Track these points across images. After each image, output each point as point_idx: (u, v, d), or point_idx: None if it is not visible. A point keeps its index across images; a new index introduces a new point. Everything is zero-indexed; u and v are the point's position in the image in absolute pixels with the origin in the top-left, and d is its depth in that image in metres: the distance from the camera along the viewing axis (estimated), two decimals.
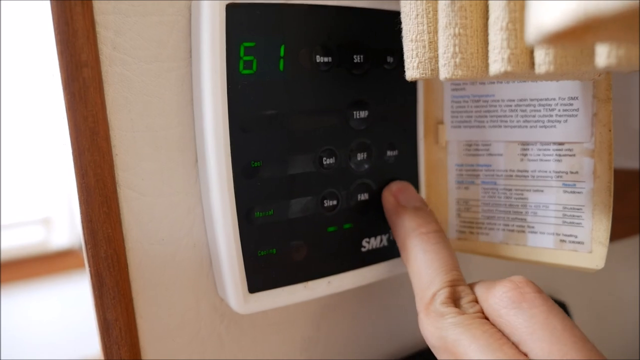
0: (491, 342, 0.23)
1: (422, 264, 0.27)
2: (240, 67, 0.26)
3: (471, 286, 0.27)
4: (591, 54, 0.18)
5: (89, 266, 0.26)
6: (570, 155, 0.30)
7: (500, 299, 0.24)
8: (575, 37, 0.13)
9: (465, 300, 0.26)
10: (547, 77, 0.21)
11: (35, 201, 1.34)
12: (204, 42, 0.26)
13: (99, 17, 0.25)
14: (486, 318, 0.25)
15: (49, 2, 0.24)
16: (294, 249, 0.29)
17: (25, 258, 1.35)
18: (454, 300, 0.26)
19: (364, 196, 0.31)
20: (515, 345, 0.23)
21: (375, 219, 0.32)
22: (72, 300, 1.37)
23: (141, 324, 0.28)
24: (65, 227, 1.39)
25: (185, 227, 0.29)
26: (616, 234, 0.49)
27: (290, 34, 0.27)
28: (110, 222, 0.25)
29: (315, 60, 0.28)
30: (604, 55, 0.16)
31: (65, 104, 0.24)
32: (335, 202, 0.30)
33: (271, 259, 0.28)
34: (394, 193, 0.31)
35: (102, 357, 0.27)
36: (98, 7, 0.25)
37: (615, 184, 0.48)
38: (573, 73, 0.20)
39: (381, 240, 0.32)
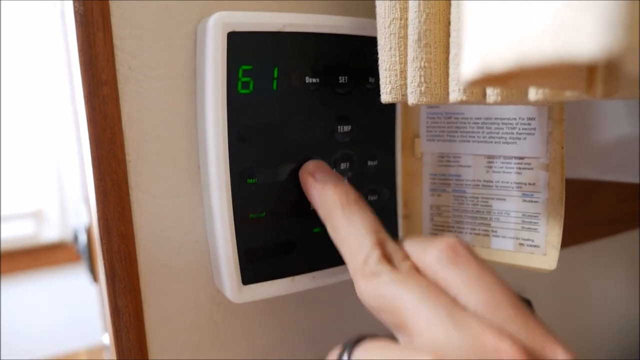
0: (427, 292, 0.23)
1: (348, 231, 0.28)
2: (239, 87, 0.30)
3: (399, 243, 0.28)
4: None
5: (104, 259, 0.29)
6: (528, 169, 0.34)
7: (438, 257, 0.25)
8: (499, 82, 0.17)
9: (396, 257, 0.26)
10: (501, 103, 0.24)
11: (26, 194, 1.34)
12: (207, 65, 0.29)
13: (117, 42, 0.29)
14: (420, 273, 0.25)
15: (74, 27, 0.28)
16: (283, 247, 0.33)
17: (15, 251, 1.35)
18: (387, 259, 0.26)
19: None
20: (453, 297, 0.24)
21: None
22: (63, 293, 1.38)
23: (147, 311, 0.31)
24: (56, 221, 1.39)
25: (188, 226, 0.32)
26: (580, 238, 0.53)
27: (283, 58, 0.30)
28: (123, 220, 0.29)
29: (305, 80, 0.31)
30: (533, 93, 0.20)
31: (87, 117, 0.28)
32: None
33: (263, 255, 0.32)
34: (311, 172, 0.31)
35: (112, 340, 0.31)
36: (117, 32, 0.28)
37: (579, 193, 0.52)
38: (522, 101, 0.24)
39: None
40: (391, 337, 0.25)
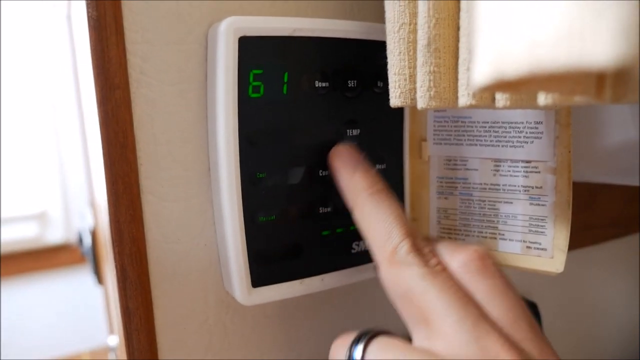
0: (457, 298, 0.24)
1: (377, 219, 0.28)
2: (250, 91, 0.30)
3: (427, 241, 0.28)
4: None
5: (115, 261, 0.29)
6: (535, 172, 0.34)
7: (466, 265, 0.26)
8: (511, 88, 0.17)
9: (426, 252, 0.26)
10: (510, 108, 0.25)
11: (30, 196, 1.35)
12: (218, 69, 0.29)
13: (129, 46, 0.29)
14: (449, 273, 0.26)
15: (87, 32, 0.28)
16: (292, 250, 0.33)
17: (19, 253, 1.35)
18: (417, 251, 0.26)
19: None
20: (480, 307, 0.24)
21: None
22: (66, 295, 1.39)
23: (157, 313, 0.31)
24: (60, 223, 1.39)
25: (198, 228, 0.32)
26: (584, 241, 0.53)
27: (293, 62, 0.31)
28: (134, 223, 0.29)
29: (315, 85, 0.32)
30: (542, 98, 0.20)
31: (99, 120, 0.28)
32: (329, 209, 0.33)
33: (272, 258, 0.32)
34: (340, 155, 0.31)
35: (123, 342, 0.31)
36: (129, 37, 0.29)
37: (585, 196, 0.52)
38: (531, 105, 0.24)
39: None
40: (406, 336, 0.26)
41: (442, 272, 0.25)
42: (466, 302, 0.24)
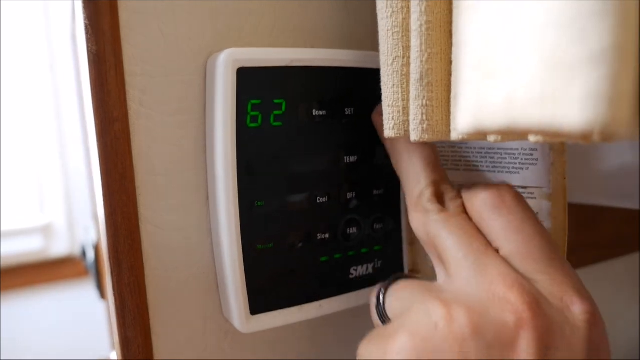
0: (464, 236, 0.25)
1: (408, 164, 0.29)
2: (248, 121, 0.30)
3: (458, 188, 0.29)
4: None
5: (114, 291, 0.30)
6: (532, 198, 0.34)
7: (484, 202, 0.26)
8: (495, 134, 0.17)
9: (448, 197, 0.28)
10: (502, 141, 0.25)
11: (34, 209, 1.35)
12: (217, 100, 0.30)
13: (128, 79, 0.29)
14: (467, 214, 0.27)
15: (87, 65, 0.29)
16: (291, 276, 0.33)
17: (24, 265, 1.35)
18: (438, 197, 0.28)
19: (352, 230, 0.35)
20: (488, 243, 0.25)
21: (362, 249, 0.36)
22: (71, 308, 1.39)
23: (156, 341, 0.32)
24: (65, 236, 1.40)
25: (197, 257, 0.32)
26: (587, 260, 0.53)
27: (290, 92, 0.31)
28: (133, 252, 0.30)
29: (312, 113, 0.32)
30: (532, 136, 0.21)
31: (99, 153, 0.29)
32: (327, 236, 0.34)
33: (270, 285, 0.32)
34: (380, 112, 0.32)
35: None
36: (128, 69, 0.29)
37: (587, 216, 0.52)
38: (522, 139, 0.24)
39: (367, 269, 0.36)
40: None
41: (456, 216, 0.27)
42: (473, 239, 0.25)
